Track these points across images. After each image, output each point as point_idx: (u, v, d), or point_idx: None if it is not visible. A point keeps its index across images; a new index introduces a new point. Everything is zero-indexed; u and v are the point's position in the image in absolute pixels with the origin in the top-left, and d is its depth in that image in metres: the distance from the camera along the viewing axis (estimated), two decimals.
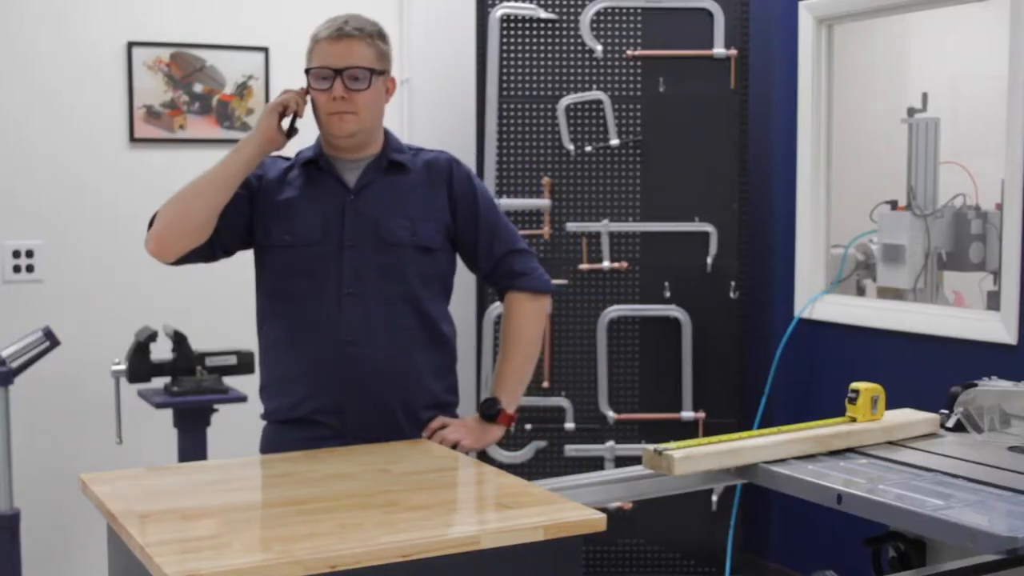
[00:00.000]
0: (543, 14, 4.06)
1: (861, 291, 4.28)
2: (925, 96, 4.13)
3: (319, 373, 2.37)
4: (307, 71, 2.42)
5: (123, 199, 4.00)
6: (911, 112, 4.11)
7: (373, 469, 2.18)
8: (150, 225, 2.41)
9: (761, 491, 2.39)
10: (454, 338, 2.53)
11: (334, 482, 2.07)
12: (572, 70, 4.08)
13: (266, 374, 2.48)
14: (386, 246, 2.39)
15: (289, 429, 2.40)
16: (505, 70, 4.09)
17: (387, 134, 2.51)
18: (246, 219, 2.45)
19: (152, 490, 2.02)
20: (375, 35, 2.43)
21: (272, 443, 2.42)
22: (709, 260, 4.06)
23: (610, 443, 4.03)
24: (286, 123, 2.41)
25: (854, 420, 2.36)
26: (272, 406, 2.45)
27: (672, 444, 2.18)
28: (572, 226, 4.08)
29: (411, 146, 2.55)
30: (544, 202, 4.06)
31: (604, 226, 4.07)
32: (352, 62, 2.38)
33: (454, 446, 2.38)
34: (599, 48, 4.06)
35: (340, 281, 2.38)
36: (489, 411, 2.48)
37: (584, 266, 4.07)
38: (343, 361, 2.35)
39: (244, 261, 4.33)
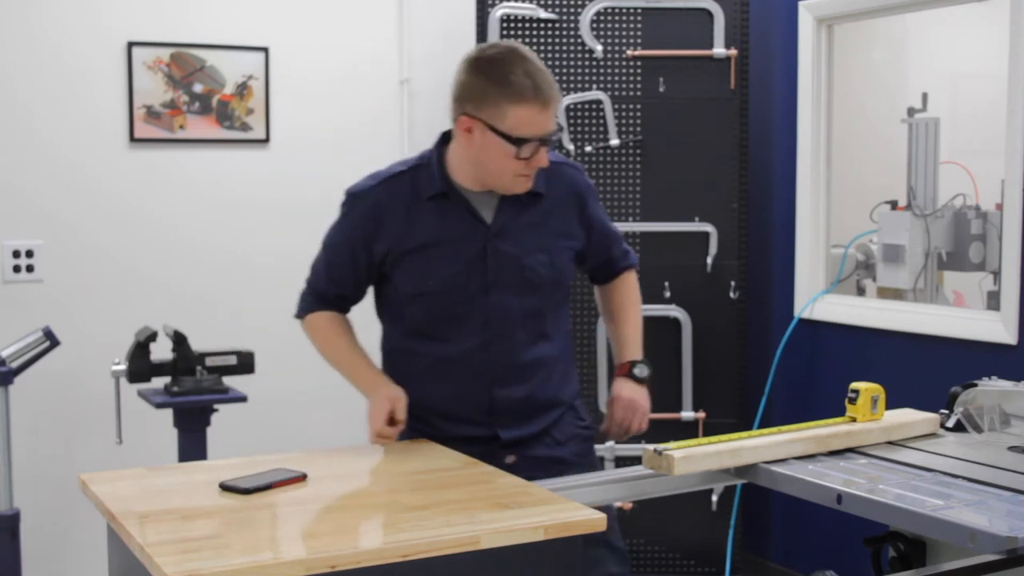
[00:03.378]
0: (543, 14, 4.06)
1: (861, 291, 4.28)
2: (925, 96, 4.13)
3: (468, 403, 2.39)
4: (499, 132, 2.20)
5: (123, 199, 4.01)
6: (911, 112, 4.11)
7: (373, 469, 2.18)
8: (303, 307, 2.51)
9: (761, 491, 2.39)
10: (571, 338, 2.56)
11: (335, 482, 2.07)
12: (572, 70, 4.08)
13: (409, 393, 2.42)
14: (530, 287, 2.36)
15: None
16: None
17: None
18: (372, 276, 2.43)
19: (152, 490, 2.02)
20: (559, 97, 2.29)
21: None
22: (709, 260, 4.06)
23: (610, 443, 4.03)
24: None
25: (854, 420, 2.36)
26: (418, 426, 2.43)
27: (672, 444, 2.18)
28: None
29: None
30: None
31: None
32: (553, 127, 2.25)
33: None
34: (599, 48, 4.06)
35: (487, 323, 2.35)
36: (643, 374, 2.54)
37: None
38: (489, 395, 2.38)
39: (244, 260, 4.34)
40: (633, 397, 2.52)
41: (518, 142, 2.20)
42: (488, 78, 2.20)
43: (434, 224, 2.33)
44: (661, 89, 4.07)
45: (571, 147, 4.06)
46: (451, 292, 2.33)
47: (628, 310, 2.60)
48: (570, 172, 2.44)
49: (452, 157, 2.35)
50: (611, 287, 2.62)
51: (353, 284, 2.46)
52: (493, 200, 2.34)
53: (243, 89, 4.16)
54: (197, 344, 3.55)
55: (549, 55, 4.08)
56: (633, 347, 2.57)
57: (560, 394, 2.47)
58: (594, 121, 4.08)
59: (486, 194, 2.34)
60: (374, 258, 2.38)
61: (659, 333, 4.10)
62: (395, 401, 2.35)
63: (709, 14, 4.05)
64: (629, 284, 2.62)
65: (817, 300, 4.12)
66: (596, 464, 2.59)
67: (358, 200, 2.41)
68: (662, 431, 3.93)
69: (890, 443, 2.34)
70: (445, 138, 2.39)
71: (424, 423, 2.42)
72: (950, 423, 2.44)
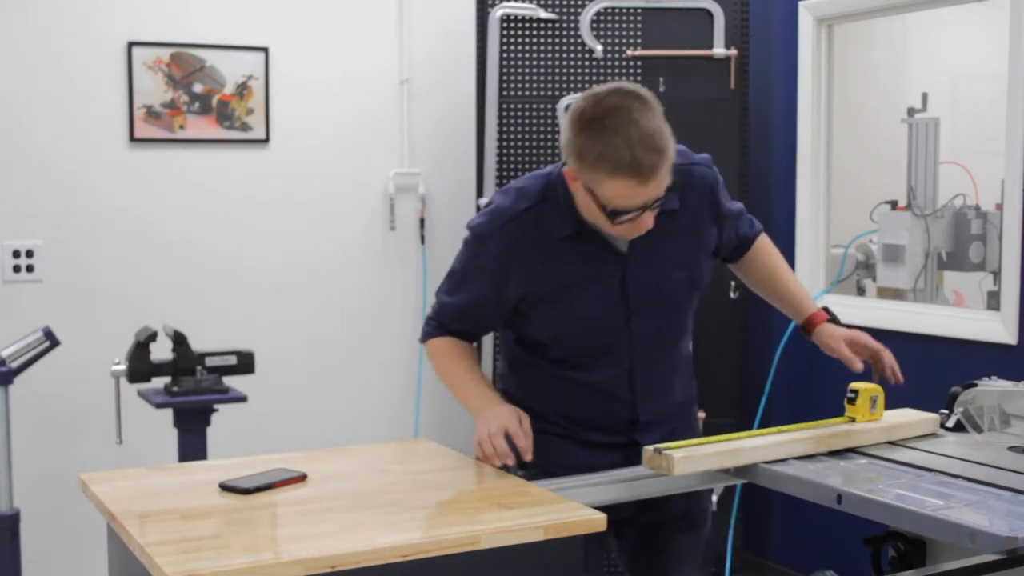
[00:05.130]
0: (543, 14, 4.06)
1: (861, 291, 4.28)
2: (925, 96, 4.13)
3: (610, 418, 2.33)
4: (595, 196, 2.07)
5: (123, 199, 4.01)
6: (911, 112, 4.11)
7: (373, 469, 2.18)
8: (427, 332, 2.39)
9: (761, 491, 2.39)
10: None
11: (334, 482, 2.07)
12: (572, 70, 4.08)
13: (539, 400, 2.34)
14: (670, 307, 2.30)
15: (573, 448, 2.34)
16: (505, 70, 4.09)
17: None
18: (504, 316, 2.32)
19: (152, 490, 2.02)
20: (669, 158, 2.05)
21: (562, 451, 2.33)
22: None
23: None
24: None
25: (853, 420, 2.36)
26: (547, 428, 2.31)
27: (672, 444, 2.18)
28: None
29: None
30: None
31: None
32: (657, 193, 2.06)
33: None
34: (599, 48, 4.06)
35: (631, 351, 2.28)
36: (837, 319, 2.47)
37: None
38: (633, 411, 2.33)
39: (244, 260, 4.35)
40: (854, 338, 2.42)
41: (613, 214, 2.06)
42: (587, 139, 2.02)
43: (572, 265, 2.20)
44: (661, 89, 4.07)
45: None
46: (594, 329, 2.26)
47: (781, 271, 2.50)
48: (700, 173, 2.30)
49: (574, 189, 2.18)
50: (750, 259, 2.50)
51: (484, 326, 2.41)
52: None
53: (243, 89, 4.16)
54: (197, 344, 3.55)
55: (549, 55, 4.08)
56: (807, 300, 2.48)
57: (687, 391, 2.47)
58: None
59: None
60: (507, 303, 2.26)
61: None
62: (512, 419, 2.19)
63: (709, 14, 4.05)
64: (765, 250, 2.51)
65: (817, 300, 4.11)
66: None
67: (487, 242, 2.23)
68: None
69: (890, 443, 2.34)
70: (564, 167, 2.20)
71: (556, 425, 2.33)
72: (950, 423, 2.44)
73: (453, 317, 2.33)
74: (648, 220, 2.09)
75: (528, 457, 2.16)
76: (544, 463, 2.19)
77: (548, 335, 2.28)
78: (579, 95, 2.12)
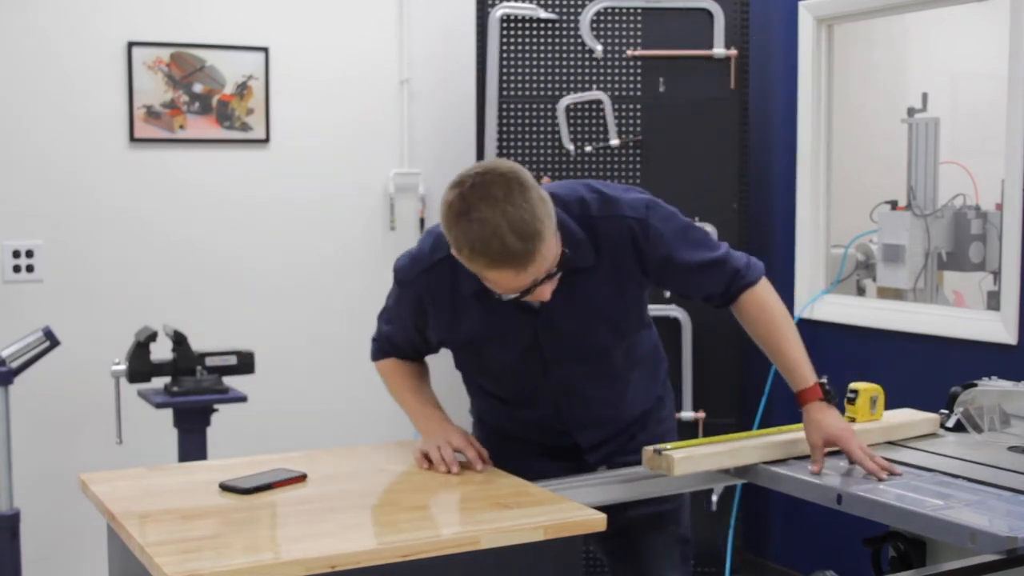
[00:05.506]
0: (543, 14, 4.06)
1: (861, 291, 4.28)
2: (925, 96, 4.13)
3: (554, 441, 2.38)
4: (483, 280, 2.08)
5: (123, 199, 4.01)
6: (911, 112, 4.11)
7: (373, 469, 2.18)
8: (375, 352, 2.52)
9: (761, 491, 2.39)
10: (656, 346, 2.49)
11: (334, 482, 2.07)
12: (572, 70, 4.08)
13: (492, 418, 2.48)
14: (593, 355, 2.26)
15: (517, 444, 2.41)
16: (505, 70, 4.09)
17: (563, 231, 2.09)
18: (436, 350, 2.43)
19: (152, 490, 2.02)
20: (535, 246, 1.97)
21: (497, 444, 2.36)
22: None
23: None
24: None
25: (853, 420, 2.36)
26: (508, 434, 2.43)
27: (672, 444, 2.18)
28: None
29: (585, 212, 2.16)
30: None
31: None
32: (537, 275, 2.01)
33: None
34: (599, 48, 4.06)
35: (554, 394, 2.30)
36: (831, 397, 2.23)
37: None
38: (572, 438, 2.37)
39: (244, 260, 4.34)
40: (844, 431, 2.18)
41: (504, 294, 2.05)
42: (460, 233, 1.98)
43: (480, 321, 2.20)
44: (661, 89, 4.07)
45: (571, 147, 4.06)
46: (509, 377, 2.31)
47: (776, 332, 2.28)
48: (621, 225, 2.18)
49: None
50: (739, 314, 2.33)
51: (421, 354, 2.46)
52: None
53: (243, 89, 4.16)
54: (197, 344, 3.55)
55: (549, 55, 4.08)
56: (805, 373, 2.25)
57: (645, 403, 2.44)
58: (594, 121, 4.08)
59: None
60: (431, 342, 2.38)
61: (659, 333, 4.09)
62: (455, 434, 2.28)
63: (709, 14, 4.05)
64: (757, 305, 2.29)
65: (817, 300, 4.12)
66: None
67: (405, 287, 2.29)
68: None
69: (890, 443, 2.34)
70: None
71: (511, 436, 2.42)
72: (950, 423, 2.45)
73: (391, 345, 2.44)
74: (544, 292, 2.05)
75: (479, 467, 2.20)
76: (504, 467, 2.23)
77: (469, 377, 2.42)
78: (450, 184, 2.07)
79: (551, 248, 2.00)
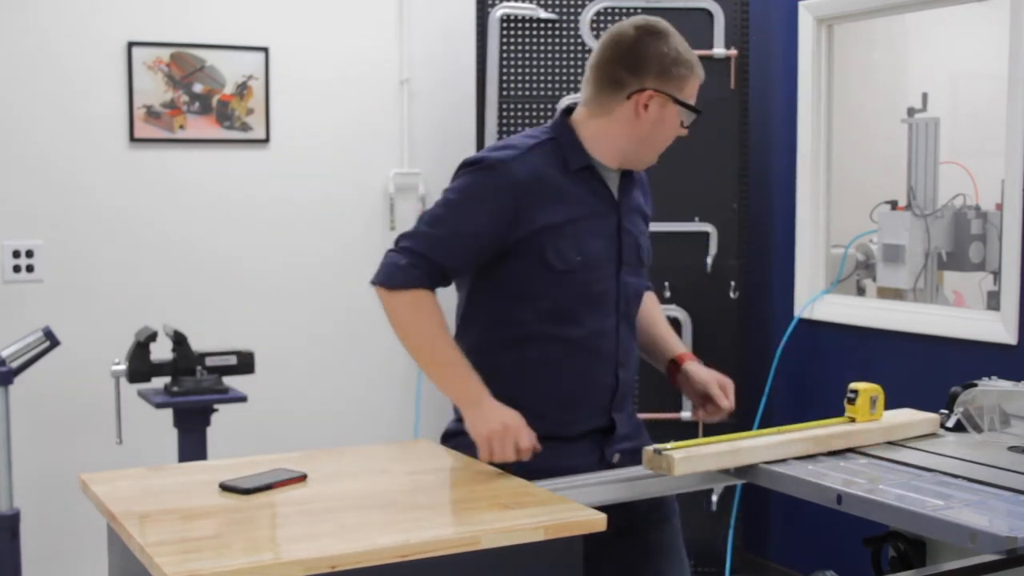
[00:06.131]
0: (543, 14, 4.06)
1: (861, 291, 4.28)
2: (925, 96, 4.13)
3: (594, 388, 2.30)
4: (677, 100, 2.24)
5: (123, 199, 4.01)
6: (911, 112, 4.11)
7: (373, 469, 2.18)
8: (409, 278, 2.15)
9: (761, 491, 2.39)
10: None
11: (334, 482, 2.07)
12: (572, 70, 4.08)
13: (520, 391, 2.21)
14: (643, 269, 2.36)
15: (555, 449, 2.21)
16: (505, 70, 4.09)
17: None
18: (494, 254, 2.20)
19: (152, 490, 2.02)
20: None
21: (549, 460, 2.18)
22: (709, 260, 4.06)
23: None
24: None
25: (853, 420, 2.36)
26: (535, 424, 2.17)
27: (672, 444, 2.18)
28: None
29: None
30: None
31: None
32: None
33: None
34: None
35: (618, 303, 2.29)
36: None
37: None
38: (616, 384, 2.32)
39: (244, 260, 4.34)
40: (708, 376, 2.44)
41: (694, 110, 2.27)
42: (667, 54, 2.20)
43: (582, 197, 2.23)
44: None
45: None
46: (595, 268, 2.24)
47: (655, 315, 2.53)
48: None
49: (587, 133, 2.25)
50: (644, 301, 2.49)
51: (475, 260, 2.20)
52: (615, 178, 2.29)
53: (243, 89, 4.16)
54: (197, 344, 3.55)
55: (549, 55, 4.08)
56: (680, 344, 2.52)
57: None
58: None
59: (609, 172, 2.28)
60: (514, 233, 2.16)
61: None
62: (514, 416, 2.14)
63: (709, 14, 4.05)
64: (653, 299, 2.56)
65: (817, 300, 4.12)
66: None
67: (499, 172, 2.17)
68: (662, 431, 3.94)
69: (890, 443, 2.34)
70: (565, 115, 2.30)
71: (540, 419, 2.19)
72: (950, 423, 2.44)
73: (447, 252, 2.17)
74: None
75: (526, 456, 2.13)
76: (525, 466, 2.14)
77: (559, 270, 2.19)
78: (613, 32, 2.24)
79: None
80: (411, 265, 2.15)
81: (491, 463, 2.13)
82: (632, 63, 2.19)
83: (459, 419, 2.24)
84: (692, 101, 2.26)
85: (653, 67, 2.19)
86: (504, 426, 2.12)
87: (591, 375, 2.29)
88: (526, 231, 2.17)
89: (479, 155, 2.24)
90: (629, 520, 2.26)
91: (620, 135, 2.24)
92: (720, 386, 2.42)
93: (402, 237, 2.22)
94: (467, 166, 2.22)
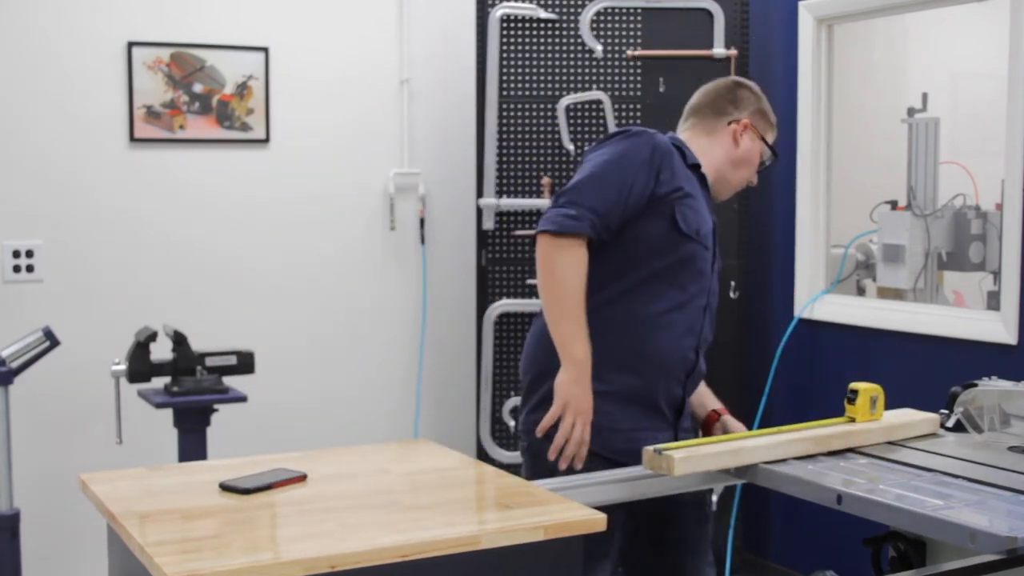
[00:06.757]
0: (543, 14, 4.06)
1: (861, 291, 4.28)
2: (925, 96, 4.13)
3: (678, 364, 2.48)
4: (764, 139, 2.63)
5: (123, 199, 4.01)
6: (911, 112, 4.11)
7: (373, 469, 2.18)
8: (580, 225, 2.32)
9: (761, 491, 2.39)
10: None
11: (334, 482, 2.07)
12: (572, 70, 4.08)
13: (619, 343, 2.42)
14: (715, 272, 2.59)
15: (636, 410, 2.44)
16: (505, 70, 4.09)
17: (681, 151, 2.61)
18: (634, 212, 2.41)
19: (152, 490, 2.02)
20: None
21: (618, 419, 2.41)
22: None
23: None
24: None
25: (853, 420, 2.36)
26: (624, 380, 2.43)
27: (672, 444, 2.18)
28: None
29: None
30: (544, 202, 4.06)
31: None
32: None
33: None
34: (599, 48, 4.06)
35: (708, 291, 2.53)
36: None
37: None
38: (696, 360, 2.53)
39: (244, 260, 4.34)
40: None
41: (774, 153, 2.65)
42: (762, 103, 2.65)
43: (696, 184, 2.52)
44: (661, 89, 4.07)
45: (571, 147, 4.06)
46: (704, 247, 2.49)
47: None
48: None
49: (693, 147, 2.58)
50: None
51: (628, 212, 2.38)
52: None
53: (243, 89, 4.16)
54: (197, 344, 3.55)
55: (549, 55, 4.08)
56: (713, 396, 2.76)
57: None
58: (594, 121, 4.08)
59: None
60: (658, 188, 2.40)
61: None
62: (588, 415, 2.33)
63: (709, 14, 4.05)
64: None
65: (817, 300, 4.12)
66: None
67: (648, 136, 2.46)
68: None
69: (890, 443, 2.34)
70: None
71: (630, 372, 2.42)
72: (950, 423, 2.45)
73: (614, 200, 2.35)
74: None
75: (573, 448, 2.31)
76: (606, 443, 2.37)
77: (684, 232, 2.42)
78: (733, 80, 2.70)
79: None
80: (579, 216, 2.33)
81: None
82: (736, 100, 2.62)
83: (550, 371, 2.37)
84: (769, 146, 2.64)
85: (752, 107, 2.63)
86: (586, 405, 2.31)
87: (679, 342, 2.47)
88: (665, 189, 2.41)
89: (618, 129, 2.54)
90: (669, 507, 2.46)
91: (717, 154, 2.59)
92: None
93: (562, 193, 2.38)
94: (609, 137, 2.50)
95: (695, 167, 2.54)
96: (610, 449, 2.38)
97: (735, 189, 2.66)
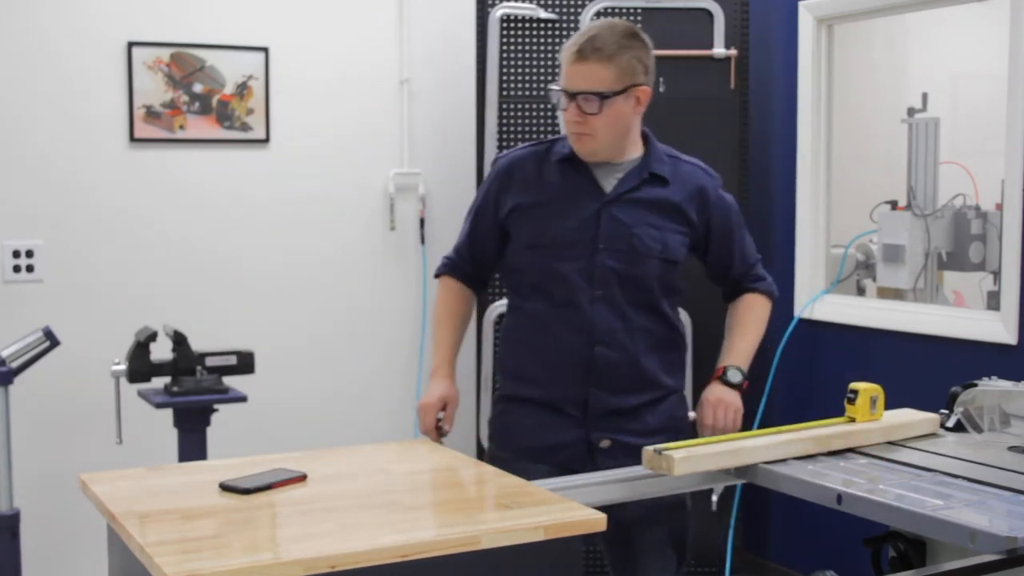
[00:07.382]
0: (543, 14, 4.06)
1: (861, 291, 4.28)
2: (925, 96, 4.14)
3: (567, 362, 2.50)
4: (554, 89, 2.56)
5: (123, 199, 4.01)
6: (911, 112, 4.11)
7: (373, 469, 2.18)
8: (441, 267, 2.74)
9: (761, 491, 2.39)
10: (685, 336, 2.69)
11: (334, 482, 2.07)
12: None
13: (511, 355, 2.64)
14: (636, 256, 2.50)
15: (528, 408, 2.56)
16: (505, 70, 4.09)
17: (649, 141, 2.60)
18: (500, 235, 2.62)
19: (152, 490, 2.02)
20: (616, 53, 2.45)
21: (507, 421, 2.62)
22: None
23: None
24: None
25: (853, 420, 2.36)
26: (511, 387, 2.63)
27: (672, 444, 2.18)
28: None
29: (670, 153, 2.62)
30: None
31: None
32: (583, 87, 2.45)
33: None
34: None
35: (591, 284, 2.49)
36: (735, 379, 2.64)
37: None
38: (592, 360, 2.49)
39: (244, 260, 4.34)
40: (721, 397, 2.59)
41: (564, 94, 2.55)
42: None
43: (557, 186, 2.53)
44: (661, 89, 4.06)
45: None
46: (561, 248, 2.49)
47: (742, 324, 2.71)
48: (693, 170, 2.61)
49: None
50: (733, 304, 2.73)
51: (487, 255, 2.65)
52: (617, 173, 2.53)
53: (243, 89, 4.16)
54: (197, 344, 3.55)
55: (549, 55, 4.08)
56: (734, 355, 2.67)
57: (664, 375, 2.58)
58: None
59: (610, 166, 2.53)
60: (501, 211, 2.57)
61: None
62: (444, 403, 2.58)
63: (709, 14, 4.05)
64: (750, 303, 2.71)
65: (817, 300, 4.12)
66: None
67: (498, 162, 2.65)
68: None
69: (890, 443, 2.34)
70: None
71: (530, 382, 2.56)
72: (950, 423, 2.45)
73: (457, 253, 2.69)
74: (574, 111, 2.45)
75: (447, 427, 2.56)
76: (512, 442, 2.56)
77: (523, 244, 2.53)
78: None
79: (616, 80, 2.46)
80: (446, 259, 2.74)
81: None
82: (637, 64, 2.59)
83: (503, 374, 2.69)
84: (564, 82, 2.53)
85: (649, 66, 2.62)
86: (424, 403, 2.58)
87: (566, 344, 2.50)
88: (505, 210, 2.56)
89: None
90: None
91: (618, 128, 2.57)
92: (712, 408, 2.60)
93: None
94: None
95: (567, 159, 2.53)
96: (511, 448, 2.55)
97: (579, 150, 2.52)
